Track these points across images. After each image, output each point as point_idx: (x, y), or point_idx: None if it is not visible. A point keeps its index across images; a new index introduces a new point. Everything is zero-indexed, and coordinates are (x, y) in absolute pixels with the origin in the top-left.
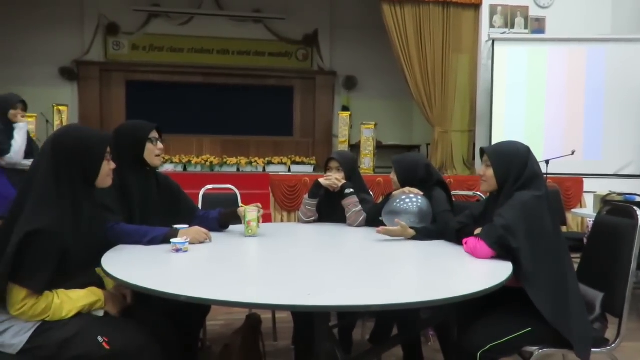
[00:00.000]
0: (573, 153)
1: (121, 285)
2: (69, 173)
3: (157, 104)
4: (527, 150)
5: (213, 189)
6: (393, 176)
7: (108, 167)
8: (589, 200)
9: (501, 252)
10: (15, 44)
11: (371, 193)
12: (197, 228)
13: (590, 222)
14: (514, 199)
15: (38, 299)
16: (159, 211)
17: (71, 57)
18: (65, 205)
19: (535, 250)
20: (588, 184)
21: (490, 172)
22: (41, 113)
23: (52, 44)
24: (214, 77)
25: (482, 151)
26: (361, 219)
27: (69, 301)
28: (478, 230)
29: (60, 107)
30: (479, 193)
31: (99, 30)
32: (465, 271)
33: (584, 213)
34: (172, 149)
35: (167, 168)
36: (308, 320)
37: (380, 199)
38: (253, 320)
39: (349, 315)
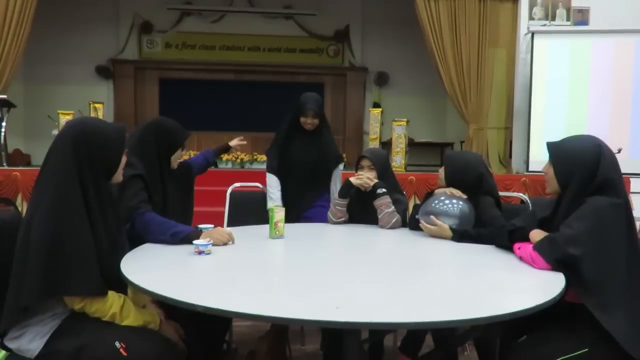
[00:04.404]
0: (619, 151)
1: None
2: (91, 171)
3: (189, 101)
4: (597, 149)
5: (241, 187)
6: (441, 171)
7: (123, 161)
8: (636, 201)
9: (560, 268)
10: (54, 43)
11: (404, 192)
12: (220, 229)
13: None
14: (585, 205)
15: (92, 300)
16: (177, 199)
17: (107, 56)
18: (92, 204)
19: (604, 260)
20: (635, 184)
21: (552, 171)
22: (78, 110)
23: (88, 43)
24: (245, 74)
25: (548, 147)
26: (394, 220)
27: (132, 314)
28: (535, 233)
29: (96, 105)
30: (520, 194)
31: (133, 29)
32: (512, 283)
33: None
34: (203, 145)
35: None
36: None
37: (413, 198)
38: (279, 325)
39: (380, 331)
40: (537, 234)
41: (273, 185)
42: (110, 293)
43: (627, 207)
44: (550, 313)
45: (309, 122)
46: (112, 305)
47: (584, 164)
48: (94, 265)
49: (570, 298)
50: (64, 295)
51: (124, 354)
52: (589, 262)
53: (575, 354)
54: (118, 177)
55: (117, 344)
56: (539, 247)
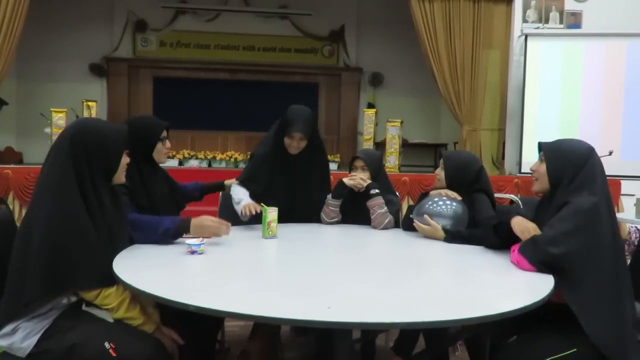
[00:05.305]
0: (610, 154)
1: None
2: (89, 171)
3: (183, 100)
4: (589, 151)
5: None
6: (439, 172)
7: (125, 162)
8: (626, 203)
9: (544, 269)
10: (48, 40)
11: (397, 193)
12: (207, 221)
13: (631, 227)
14: (569, 206)
15: (108, 290)
16: (166, 205)
17: (101, 54)
18: (91, 201)
19: (586, 261)
20: (626, 186)
21: (543, 168)
22: (71, 108)
23: (82, 40)
24: (239, 74)
25: (540, 146)
26: (387, 221)
27: (137, 309)
28: (516, 220)
29: (90, 103)
30: (512, 195)
31: (127, 27)
32: (503, 284)
33: (622, 217)
34: (197, 144)
35: (193, 164)
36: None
37: (406, 199)
38: (272, 325)
39: (372, 331)
40: (517, 220)
41: (238, 193)
42: (119, 285)
43: (610, 209)
44: (541, 313)
45: (294, 144)
46: (123, 292)
47: (576, 162)
48: (100, 257)
49: (555, 299)
50: (73, 289)
51: (113, 354)
52: (571, 262)
53: (564, 354)
54: (120, 177)
55: (107, 344)
56: (522, 249)
